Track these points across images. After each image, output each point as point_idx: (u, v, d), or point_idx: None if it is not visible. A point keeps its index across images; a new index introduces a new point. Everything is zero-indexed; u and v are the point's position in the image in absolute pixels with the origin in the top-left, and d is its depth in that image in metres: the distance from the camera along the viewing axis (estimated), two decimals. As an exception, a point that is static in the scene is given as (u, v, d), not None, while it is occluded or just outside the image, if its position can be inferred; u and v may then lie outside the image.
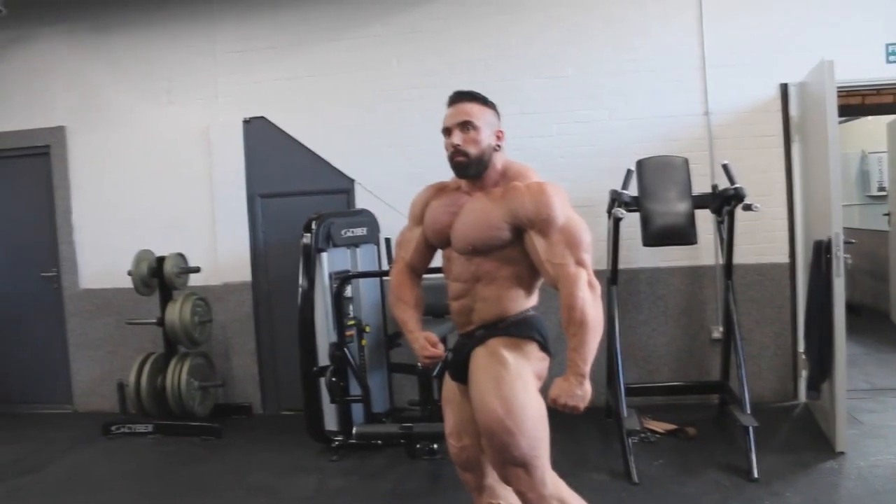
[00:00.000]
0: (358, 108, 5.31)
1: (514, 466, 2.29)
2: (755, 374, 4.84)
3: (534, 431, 2.28)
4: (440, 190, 2.62)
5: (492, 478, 2.51)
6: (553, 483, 2.35)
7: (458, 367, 2.49)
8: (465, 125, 2.39)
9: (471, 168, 2.40)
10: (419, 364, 4.27)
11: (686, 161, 4.37)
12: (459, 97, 2.47)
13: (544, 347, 2.43)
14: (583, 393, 2.20)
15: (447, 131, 2.43)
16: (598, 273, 2.32)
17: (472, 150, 2.38)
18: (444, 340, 4.61)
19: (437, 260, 2.68)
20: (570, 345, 2.22)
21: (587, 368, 2.20)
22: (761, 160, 4.87)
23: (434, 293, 3.05)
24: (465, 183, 2.50)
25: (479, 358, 2.37)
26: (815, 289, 4.13)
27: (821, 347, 4.04)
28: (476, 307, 2.41)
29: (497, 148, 2.45)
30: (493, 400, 2.25)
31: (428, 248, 2.64)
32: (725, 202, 4.18)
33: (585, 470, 3.93)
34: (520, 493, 2.33)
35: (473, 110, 2.42)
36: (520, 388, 2.28)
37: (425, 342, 2.51)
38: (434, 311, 4.30)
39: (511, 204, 2.35)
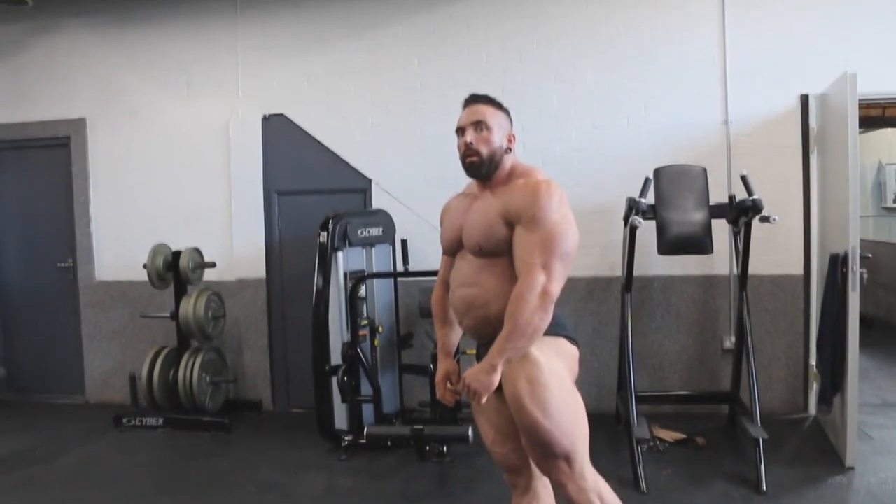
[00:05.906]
0: (377, 107, 5.32)
1: (555, 459, 2.33)
2: (766, 385, 4.81)
3: (572, 426, 2.32)
4: (455, 197, 2.68)
5: (540, 481, 2.57)
6: (592, 477, 2.40)
7: None
8: (479, 125, 2.44)
9: (483, 168, 2.44)
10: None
11: (704, 170, 4.35)
12: (474, 99, 2.52)
13: (573, 340, 2.48)
14: (488, 382, 2.26)
15: (461, 130, 2.48)
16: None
17: (484, 150, 2.42)
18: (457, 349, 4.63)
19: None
20: (499, 334, 2.27)
21: (499, 361, 2.25)
22: (779, 171, 4.84)
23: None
24: (477, 187, 2.54)
25: (512, 362, 2.33)
26: (829, 302, 4.11)
27: (833, 361, 4.03)
28: (495, 312, 2.35)
29: (508, 150, 2.49)
30: (529, 403, 2.25)
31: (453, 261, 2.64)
32: (742, 213, 4.14)
33: (594, 477, 3.94)
34: (560, 485, 2.37)
35: (487, 112, 2.47)
36: (555, 387, 2.29)
37: (444, 379, 2.64)
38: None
39: (506, 198, 2.38)
